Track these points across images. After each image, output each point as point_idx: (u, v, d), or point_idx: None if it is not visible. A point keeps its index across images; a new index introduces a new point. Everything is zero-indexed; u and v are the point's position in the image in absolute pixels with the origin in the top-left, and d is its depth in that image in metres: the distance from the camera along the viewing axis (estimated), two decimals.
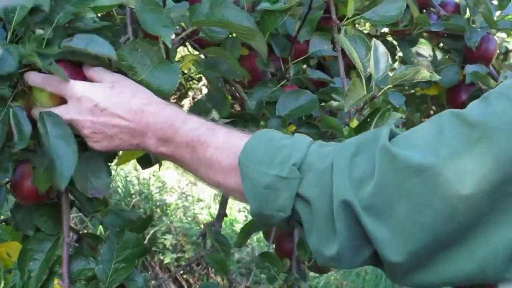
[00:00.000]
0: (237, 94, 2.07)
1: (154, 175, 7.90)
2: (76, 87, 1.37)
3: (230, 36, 1.79)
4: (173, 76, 1.47)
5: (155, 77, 1.44)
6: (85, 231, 1.69)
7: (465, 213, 0.96)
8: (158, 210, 7.14)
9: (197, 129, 1.31)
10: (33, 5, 1.39)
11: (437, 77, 1.66)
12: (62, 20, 1.40)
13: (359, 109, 1.76)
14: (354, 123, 1.76)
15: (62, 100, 1.40)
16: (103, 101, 1.35)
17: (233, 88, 2.11)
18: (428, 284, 1.04)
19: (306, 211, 1.12)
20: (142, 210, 6.83)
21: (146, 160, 1.86)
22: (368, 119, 1.69)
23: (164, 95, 1.43)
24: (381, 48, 1.70)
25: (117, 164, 1.85)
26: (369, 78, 1.70)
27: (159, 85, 1.45)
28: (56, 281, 1.52)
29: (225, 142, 1.27)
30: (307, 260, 1.84)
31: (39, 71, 1.40)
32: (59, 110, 1.38)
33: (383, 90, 1.69)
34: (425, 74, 1.63)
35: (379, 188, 1.02)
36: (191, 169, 1.32)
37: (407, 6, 2.15)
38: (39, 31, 1.38)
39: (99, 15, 1.53)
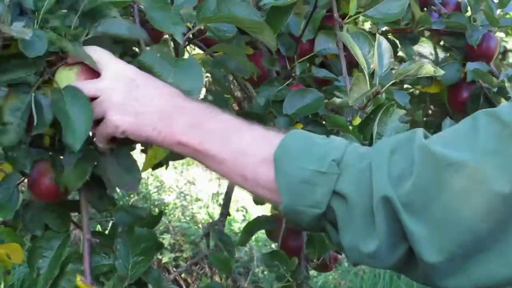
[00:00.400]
0: (235, 94, 2.09)
1: (152, 175, 7.90)
2: (115, 62, 1.37)
3: (236, 34, 1.79)
4: (196, 73, 1.46)
5: (180, 79, 1.42)
6: (92, 230, 1.69)
7: (504, 211, 0.96)
8: (156, 210, 7.13)
9: (233, 119, 1.30)
10: None
11: (441, 72, 1.67)
12: (88, 7, 1.42)
13: (362, 107, 1.77)
14: (357, 121, 1.78)
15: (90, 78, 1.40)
16: (140, 78, 1.34)
17: (232, 87, 2.13)
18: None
19: (342, 207, 1.11)
20: (146, 209, 6.82)
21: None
22: (371, 116, 1.70)
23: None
24: (385, 43, 1.72)
25: (143, 169, 1.84)
26: (372, 74, 1.71)
27: (185, 85, 1.42)
28: (78, 277, 1.53)
29: (263, 135, 1.26)
30: (316, 258, 1.85)
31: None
32: (92, 81, 1.37)
33: (386, 86, 1.70)
34: (429, 69, 1.65)
35: (418, 185, 1.02)
36: (216, 160, 1.28)
37: (409, 5, 2.17)
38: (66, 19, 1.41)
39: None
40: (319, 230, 1.20)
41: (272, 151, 1.19)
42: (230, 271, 2.07)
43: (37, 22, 1.40)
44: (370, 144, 1.67)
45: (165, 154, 1.77)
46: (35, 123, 1.38)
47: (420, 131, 1.09)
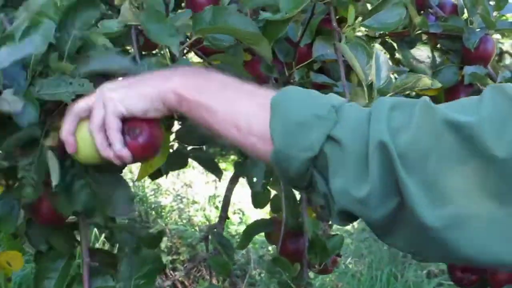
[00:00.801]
0: None
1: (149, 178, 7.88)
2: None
3: (233, 44, 1.80)
4: None
5: None
6: (95, 248, 1.70)
7: (498, 178, 0.95)
8: (153, 213, 7.14)
9: (229, 77, 1.31)
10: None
11: (438, 85, 1.69)
12: (72, 49, 1.40)
13: None
14: None
15: None
16: (132, 79, 1.35)
17: None
18: (453, 256, 1.02)
19: (335, 151, 1.09)
20: (137, 212, 6.83)
21: (156, 171, 1.86)
22: None
23: None
24: (383, 56, 1.73)
25: (138, 179, 1.84)
26: (370, 86, 1.72)
27: None
28: None
29: (258, 87, 1.26)
30: (317, 264, 1.85)
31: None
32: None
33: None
34: (426, 82, 1.67)
35: (415, 138, 1.01)
36: (209, 111, 1.25)
37: (406, 8, 2.17)
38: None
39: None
40: (305, 183, 1.17)
41: (269, 99, 1.17)
42: (229, 274, 2.09)
43: (28, 76, 1.37)
44: None
45: (161, 162, 1.77)
46: (53, 179, 1.38)
47: (424, 97, 1.07)
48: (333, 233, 2.11)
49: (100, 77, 1.41)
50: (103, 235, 5.35)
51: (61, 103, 1.39)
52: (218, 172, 2.16)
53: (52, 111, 1.43)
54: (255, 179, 1.84)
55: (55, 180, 1.38)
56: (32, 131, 1.38)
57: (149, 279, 1.61)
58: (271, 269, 1.88)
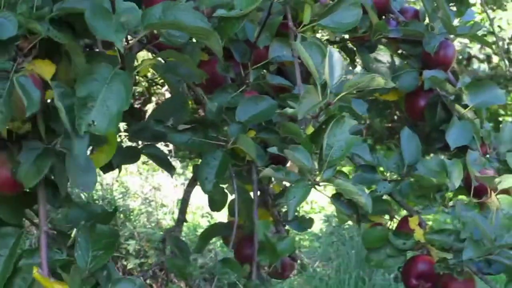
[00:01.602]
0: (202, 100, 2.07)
1: (117, 181, 7.88)
2: None
3: (190, 40, 1.78)
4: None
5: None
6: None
7: None
8: (121, 216, 7.12)
9: None
10: None
11: (391, 84, 1.67)
12: None
13: (314, 116, 1.77)
14: (310, 130, 1.77)
15: None
16: None
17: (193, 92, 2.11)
18: None
19: None
20: (102, 206, 6.80)
21: (107, 164, 1.85)
22: (323, 126, 1.70)
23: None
24: (336, 55, 1.71)
25: None
26: (324, 85, 1.71)
27: None
28: (35, 269, 1.51)
29: None
30: (267, 265, 1.84)
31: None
32: None
33: (338, 97, 1.70)
34: (380, 81, 1.65)
35: None
36: None
37: (366, 12, 2.16)
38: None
39: None
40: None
41: None
42: (186, 277, 2.06)
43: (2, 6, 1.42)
44: (321, 155, 1.67)
45: (108, 159, 1.75)
46: (25, 104, 1.40)
47: None
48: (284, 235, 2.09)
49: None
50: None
51: (32, 42, 1.45)
52: (170, 169, 2.15)
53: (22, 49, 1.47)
54: (206, 179, 1.82)
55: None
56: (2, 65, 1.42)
57: (107, 250, 1.60)
58: (220, 270, 1.86)
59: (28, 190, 1.64)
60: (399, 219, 2.15)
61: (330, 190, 1.78)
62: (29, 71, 1.47)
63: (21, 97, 1.40)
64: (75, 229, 1.64)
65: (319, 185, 1.69)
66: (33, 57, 1.51)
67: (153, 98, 8.79)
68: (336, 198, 1.73)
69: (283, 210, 2.24)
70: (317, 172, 1.68)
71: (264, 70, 2.11)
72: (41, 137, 1.59)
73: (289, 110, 1.84)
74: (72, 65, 1.59)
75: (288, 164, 2.13)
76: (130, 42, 1.65)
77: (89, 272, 1.58)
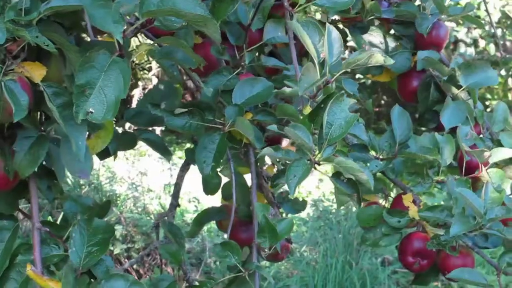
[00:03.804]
0: (189, 85, 2.06)
1: (104, 166, 7.86)
2: None
3: (184, 24, 1.77)
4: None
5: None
6: (43, 220, 1.70)
7: None
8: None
9: None
10: None
11: (391, 61, 1.67)
12: None
13: (312, 96, 1.77)
14: (307, 110, 1.77)
15: None
16: None
17: (185, 78, 2.10)
18: None
19: None
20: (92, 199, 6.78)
21: (104, 151, 1.85)
22: (322, 105, 1.69)
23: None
24: (335, 33, 1.71)
25: None
26: (322, 64, 1.70)
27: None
28: (28, 267, 1.51)
29: None
30: (267, 248, 1.83)
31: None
32: None
33: (337, 75, 1.70)
34: (379, 58, 1.65)
35: None
36: None
37: None
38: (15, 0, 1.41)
39: None
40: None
41: None
42: (180, 262, 2.05)
43: None
44: (320, 133, 1.66)
45: (103, 145, 1.75)
46: (13, 110, 1.40)
47: None
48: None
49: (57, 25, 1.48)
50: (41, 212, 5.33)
51: (21, 45, 1.45)
52: (166, 154, 2.14)
53: (11, 52, 1.48)
54: (204, 163, 1.82)
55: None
56: None
57: (101, 246, 1.61)
58: (220, 253, 1.86)
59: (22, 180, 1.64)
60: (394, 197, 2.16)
61: (318, 175, 1.78)
62: (18, 74, 1.47)
63: (9, 102, 1.40)
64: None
65: (319, 164, 1.69)
66: (23, 60, 1.52)
67: (140, 83, 8.76)
68: (336, 177, 1.73)
69: (277, 192, 2.24)
70: (317, 151, 1.68)
71: (258, 53, 2.10)
72: (36, 124, 1.59)
73: (287, 90, 1.84)
74: (66, 62, 1.59)
75: (284, 145, 2.14)
76: (126, 29, 1.64)
77: (83, 268, 1.58)
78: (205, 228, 7.02)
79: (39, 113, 1.66)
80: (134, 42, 2.14)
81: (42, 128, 1.62)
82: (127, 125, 2.23)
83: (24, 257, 1.61)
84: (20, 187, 1.66)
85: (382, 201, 2.26)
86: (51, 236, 1.65)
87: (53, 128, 1.61)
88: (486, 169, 2.06)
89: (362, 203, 2.18)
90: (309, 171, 1.66)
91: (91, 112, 1.41)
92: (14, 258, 1.63)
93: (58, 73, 1.59)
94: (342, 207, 1.79)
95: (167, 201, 7.35)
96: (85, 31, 1.70)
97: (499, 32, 8.23)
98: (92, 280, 1.60)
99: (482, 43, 8.93)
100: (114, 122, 2.13)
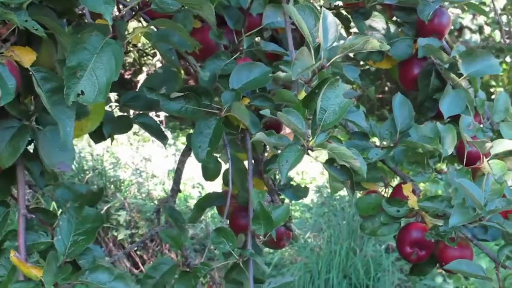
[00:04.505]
0: (192, 70, 2.05)
1: (108, 151, 7.86)
2: None
3: (182, 7, 1.76)
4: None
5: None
6: (36, 206, 1.69)
7: None
8: (112, 186, 7.11)
9: None
10: None
11: (387, 47, 1.65)
12: None
13: (307, 81, 1.75)
14: (302, 95, 1.75)
15: None
16: None
17: (185, 61, 2.09)
18: None
19: None
20: (95, 186, 6.80)
21: (99, 134, 1.83)
22: (316, 90, 1.68)
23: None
24: (330, 17, 1.69)
25: None
26: (317, 48, 1.69)
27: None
28: (12, 253, 1.51)
29: None
30: (262, 235, 1.82)
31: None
32: None
33: (332, 60, 1.68)
34: (374, 43, 1.63)
35: None
36: None
37: None
38: None
39: None
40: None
41: None
42: (181, 247, 2.05)
43: None
44: (314, 119, 1.65)
45: (93, 126, 1.74)
46: (0, 94, 1.39)
47: None
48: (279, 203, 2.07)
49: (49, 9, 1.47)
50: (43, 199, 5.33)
51: (10, 28, 1.44)
52: (162, 138, 2.13)
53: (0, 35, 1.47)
54: (199, 148, 1.81)
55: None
56: None
57: (88, 236, 1.59)
58: (215, 239, 1.84)
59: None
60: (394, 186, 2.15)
61: (321, 160, 1.77)
62: (7, 57, 1.45)
63: None
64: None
65: (312, 150, 1.67)
66: (13, 43, 1.50)
67: (144, 69, 8.76)
68: (329, 164, 1.72)
69: (278, 178, 2.23)
70: (310, 137, 1.66)
71: (258, 37, 2.09)
72: (22, 111, 1.57)
73: (281, 74, 1.82)
74: (58, 46, 1.57)
75: (282, 132, 2.12)
76: (121, 10, 1.63)
77: (68, 257, 1.57)
78: (208, 214, 7.03)
79: (31, 99, 1.64)
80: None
81: (30, 116, 1.60)
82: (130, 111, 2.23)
83: (11, 243, 1.59)
84: (12, 173, 1.63)
85: (382, 190, 2.24)
86: (41, 223, 1.64)
87: (33, 118, 1.59)
88: (488, 160, 2.04)
89: (361, 192, 2.18)
90: (301, 156, 1.64)
91: (82, 94, 1.40)
92: (2, 244, 1.62)
93: (49, 58, 1.57)
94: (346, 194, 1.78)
95: (170, 187, 7.38)
96: (78, 17, 1.69)
97: (504, 19, 8.19)
98: (77, 270, 1.58)
99: (487, 30, 8.90)
100: (117, 107, 2.12)
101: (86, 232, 1.59)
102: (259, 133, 1.68)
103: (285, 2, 1.93)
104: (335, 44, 1.66)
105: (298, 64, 1.65)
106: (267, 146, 2.16)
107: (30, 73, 1.47)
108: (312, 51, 1.67)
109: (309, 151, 1.68)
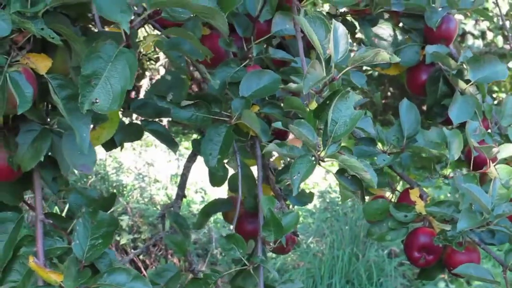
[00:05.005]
0: (195, 76, 2.05)
1: (110, 156, 7.86)
2: None
3: (192, 15, 1.77)
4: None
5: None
6: (47, 212, 1.70)
7: None
8: (115, 191, 7.11)
9: None
10: None
11: (396, 59, 1.66)
12: None
13: (318, 92, 1.76)
14: (313, 105, 1.76)
15: None
16: None
17: (192, 68, 2.09)
18: None
19: None
20: (98, 191, 6.79)
21: (110, 142, 1.84)
22: (327, 102, 1.68)
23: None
24: (341, 29, 1.70)
25: None
26: (328, 60, 1.69)
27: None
28: (31, 259, 1.52)
29: None
30: (272, 241, 1.82)
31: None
32: None
33: (342, 72, 1.69)
34: (384, 56, 1.63)
35: None
36: None
37: None
38: None
39: None
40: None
41: None
42: (185, 253, 2.05)
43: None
44: (325, 130, 1.65)
45: (109, 136, 1.75)
46: (18, 102, 1.39)
47: None
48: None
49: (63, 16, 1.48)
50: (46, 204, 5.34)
51: (26, 36, 1.45)
52: (173, 145, 2.13)
53: (17, 43, 1.48)
54: (210, 155, 1.81)
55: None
56: None
57: (104, 240, 1.61)
58: (225, 246, 1.85)
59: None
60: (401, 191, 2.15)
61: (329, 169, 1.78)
62: (23, 65, 1.47)
63: (14, 93, 1.40)
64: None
65: (324, 161, 1.68)
66: (28, 51, 1.51)
67: (147, 73, 8.76)
68: (340, 173, 1.73)
69: (284, 184, 2.23)
70: (321, 148, 1.67)
71: (266, 45, 2.09)
72: (40, 116, 1.58)
73: (292, 85, 1.83)
74: (72, 53, 1.58)
75: (290, 137, 2.12)
76: (133, 19, 1.64)
77: (86, 261, 1.58)
78: (211, 219, 7.03)
79: (44, 105, 1.65)
80: (142, 33, 2.13)
81: (47, 121, 1.61)
82: (134, 116, 2.23)
83: (28, 248, 1.61)
84: (25, 178, 1.65)
85: (388, 195, 2.25)
86: (55, 228, 1.65)
87: (56, 121, 1.60)
88: (494, 165, 2.05)
89: (368, 197, 2.18)
90: (313, 168, 1.64)
91: (97, 102, 1.41)
92: (18, 250, 1.62)
93: (64, 65, 1.58)
94: (349, 199, 1.78)
95: (173, 191, 7.37)
96: (92, 22, 1.70)
97: (507, 24, 8.21)
98: (95, 273, 1.60)
99: (490, 36, 8.90)
100: (121, 112, 2.12)
101: (102, 236, 1.61)
102: (271, 144, 1.68)
103: (295, 11, 1.93)
104: (345, 55, 1.67)
105: (309, 78, 1.65)
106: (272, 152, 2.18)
107: (45, 80, 1.48)
108: (323, 63, 1.68)
109: (320, 162, 1.69)
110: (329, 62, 1.67)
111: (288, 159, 2.20)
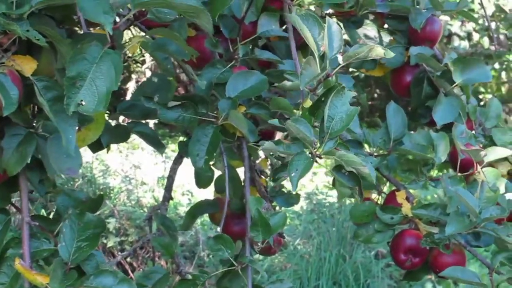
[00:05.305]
0: (181, 78, 2.06)
1: (97, 159, 7.84)
2: None
3: (178, 16, 1.77)
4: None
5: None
6: (34, 214, 1.70)
7: None
8: (102, 194, 7.08)
9: None
10: None
11: (391, 54, 1.66)
12: None
13: (312, 89, 1.76)
14: (308, 103, 1.76)
15: None
16: None
17: (178, 71, 2.09)
18: None
19: None
20: (85, 193, 6.78)
21: (97, 144, 1.84)
22: (323, 98, 1.69)
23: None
24: (335, 26, 1.71)
25: None
26: (322, 57, 1.70)
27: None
28: (17, 261, 1.51)
29: None
30: (260, 242, 1.83)
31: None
32: None
33: (337, 68, 1.69)
34: (379, 51, 1.64)
35: None
36: None
37: None
38: None
39: None
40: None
41: None
42: (172, 255, 2.05)
43: None
44: (322, 127, 1.66)
45: (94, 137, 1.75)
46: (3, 104, 1.40)
47: None
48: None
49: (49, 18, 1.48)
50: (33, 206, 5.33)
51: (12, 38, 1.45)
52: (160, 147, 2.13)
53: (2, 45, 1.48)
54: (197, 156, 1.82)
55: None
56: None
57: (91, 242, 1.61)
58: (213, 246, 1.85)
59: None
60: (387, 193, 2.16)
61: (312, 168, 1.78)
62: (8, 67, 1.47)
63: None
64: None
65: (320, 158, 1.68)
66: (14, 53, 1.51)
67: (133, 76, 8.76)
68: (337, 170, 1.73)
69: (270, 186, 2.23)
70: (318, 145, 1.67)
71: (251, 46, 2.10)
72: (25, 119, 1.58)
73: (287, 84, 1.84)
74: (58, 55, 1.58)
75: (276, 138, 2.13)
76: (118, 21, 1.64)
77: (72, 263, 1.58)
78: (198, 221, 7.02)
79: (30, 107, 1.65)
80: (128, 36, 2.13)
81: (32, 124, 1.61)
82: (121, 118, 2.23)
83: (15, 250, 1.60)
84: (13, 181, 1.65)
85: (375, 197, 2.26)
86: (42, 230, 1.65)
87: (41, 124, 1.60)
88: (481, 168, 2.06)
89: (353, 199, 2.19)
90: (311, 165, 1.65)
91: (82, 104, 1.41)
92: (5, 252, 1.62)
93: (49, 67, 1.58)
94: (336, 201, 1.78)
95: (160, 194, 7.36)
96: (77, 24, 1.70)
97: (493, 25, 8.25)
98: (81, 275, 1.59)
99: (476, 37, 8.94)
100: (107, 114, 2.12)
101: (89, 238, 1.60)
102: (268, 143, 1.69)
103: (287, 11, 1.94)
104: (339, 52, 1.68)
105: (305, 74, 1.65)
106: (259, 154, 2.18)
107: (31, 82, 1.48)
108: (318, 60, 1.68)
109: (317, 159, 1.69)
110: (323, 59, 1.68)
111: (275, 160, 2.21)
